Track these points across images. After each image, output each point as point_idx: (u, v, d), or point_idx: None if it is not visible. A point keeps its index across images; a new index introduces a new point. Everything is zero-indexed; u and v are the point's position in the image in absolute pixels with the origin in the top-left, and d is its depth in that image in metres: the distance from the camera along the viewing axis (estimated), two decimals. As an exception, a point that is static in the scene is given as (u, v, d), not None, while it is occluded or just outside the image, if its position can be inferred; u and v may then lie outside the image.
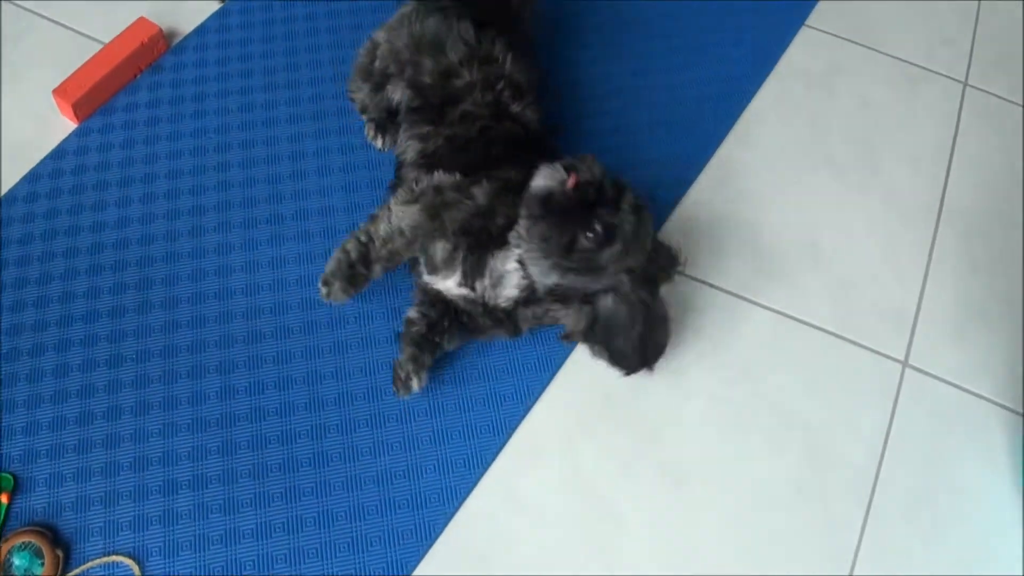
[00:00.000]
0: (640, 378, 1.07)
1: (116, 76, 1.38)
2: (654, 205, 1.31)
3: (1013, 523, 1.11)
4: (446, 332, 1.12)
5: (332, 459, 1.10)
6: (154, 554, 1.03)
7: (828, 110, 1.46)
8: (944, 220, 1.36)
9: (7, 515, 1.04)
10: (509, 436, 1.13)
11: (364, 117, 1.34)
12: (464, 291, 1.08)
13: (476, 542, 1.06)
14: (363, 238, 1.07)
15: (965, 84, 1.52)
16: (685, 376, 1.19)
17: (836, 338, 1.24)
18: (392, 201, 1.08)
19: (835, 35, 1.56)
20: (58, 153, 1.33)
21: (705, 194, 1.35)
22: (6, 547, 1.00)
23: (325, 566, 1.03)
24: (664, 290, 1.06)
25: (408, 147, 1.18)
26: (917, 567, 1.08)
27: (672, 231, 1.30)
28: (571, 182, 0.96)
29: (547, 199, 0.98)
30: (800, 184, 1.38)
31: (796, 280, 1.28)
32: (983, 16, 1.62)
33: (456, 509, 1.08)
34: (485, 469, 1.10)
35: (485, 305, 1.08)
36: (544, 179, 0.99)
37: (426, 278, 1.11)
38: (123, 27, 1.40)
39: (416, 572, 1.03)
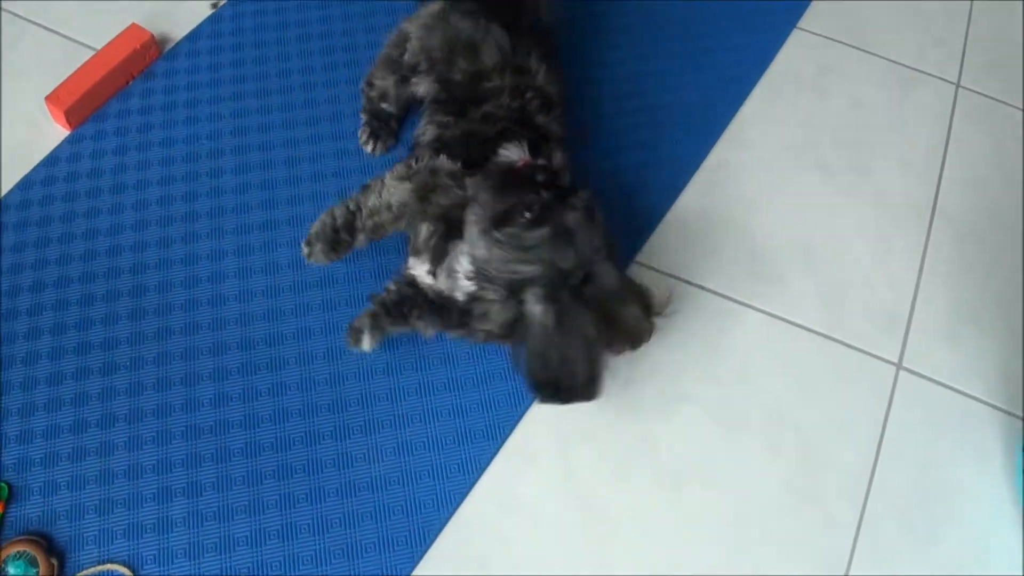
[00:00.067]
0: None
1: (109, 82, 1.38)
2: (646, 207, 1.32)
3: (1007, 524, 1.11)
4: (418, 310, 1.11)
5: (326, 465, 1.10)
6: (149, 562, 1.03)
7: (820, 112, 1.47)
8: (937, 222, 1.36)
9: (2, 524, 1.04)
10: (504, 441, 1.13)
11: (363, 117, 1.34)
12: (430, 280, 1.08)
13: (471, 547, 1.06)
14: (351, 206, 1.09)
15: (957, 85, 1.52)
16: (678, 379, 1.19)
17: (829, 340, 1.24)
18: (387, 175, 1.09)
19: (827, 37, 1.56)
20: (51, 160, 1.33)
21: (697, 197, 1.35)
22: (1, 556, 1.00)
23: (320, 572, 1.03)
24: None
25: (427, 130, 1.19)
26: (912, 568, 1.08)
27: (664, 234, 1.31)
28: (523, 160, 1.01)
29: (507, 172, 1.02)
30: (793, 186, 1.38)
31: (789, 282, 1.28)
32: (975, 17, 1.62)
33: (451, 514, 1.08)
34: (480, 474, 1.11)
35: (451, 300, 1.08)
36: (509, 152, 1.04)
37: (409, 261, 1.12)
38: (115, 33, 1.40)
39: (411, 578, 1.04)
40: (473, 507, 1.09)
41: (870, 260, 1.32)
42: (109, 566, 1.02)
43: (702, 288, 1.27)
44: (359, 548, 1.05)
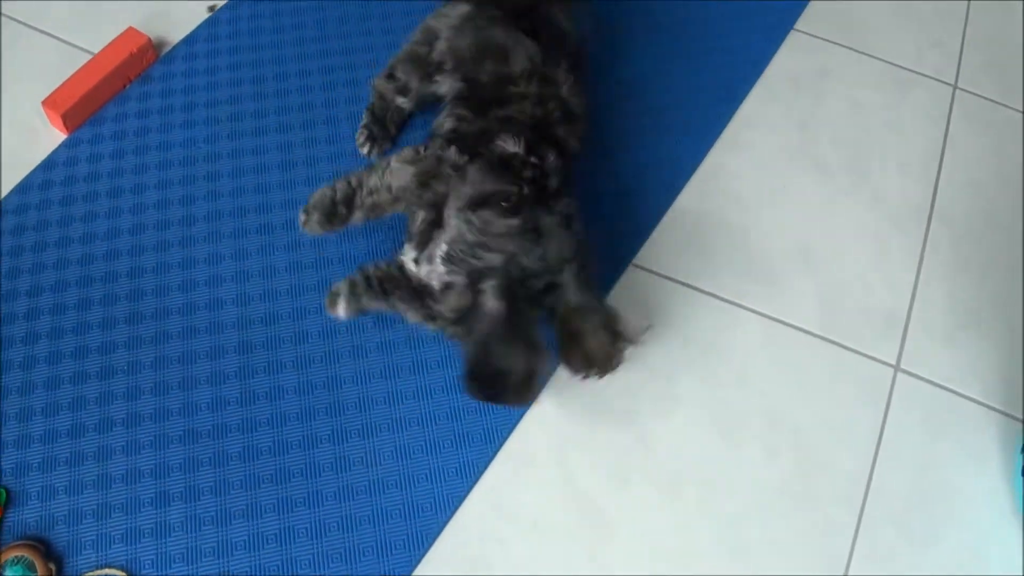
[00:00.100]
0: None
1: (105, 86, 1.37)
2: (644, 208, 1.32)
3: (1005, 525, 1.11)
4: (399, 292, 1.11)
5: (324, 469, 1.10)
6: (146, 566, 1.03)
7: (817, 114, 1.47)
8: (934, 223, 1.36)
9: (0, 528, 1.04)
10: (501, 444, 1.13)
11: (364, 117, 1.34)
12: (414, 267, 1.09)
13: (469, 550, 1.06)
14: (353, 182, 1.10)
15: (955, 87, 1.52)
16: (676, 381, 1.19)
17: (827, 342, 1.24)
18: (394, 157, 1.10)
19: (824, 39, 1.56)
20: (48, 164, 1.33)
21: (695, 199, 1.35)
22: (-2, 561, 1.00)
23: (318, 575, 1.03)
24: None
25: (446, 122, 1.20)
26: (910, 570, 1.08)
27: (662, 235, 1.31)
28: (514, 153, 1.04)
29: (499, 160, 1.05)
30: (790, 188, 1.38)
31: (787, 284, 1.28)
32: (972, 18, 1.62)
33: (449, 518, 1.08)
34: (477, 478, 1.11)
35: (429, 288, 1.08)
36: (504, 144, 1.06)
37: (404, 247, 1.12)
38: (112, 37, 1.40)
39: (409, 582, 1.04)
40: (471, 510, 1.08)
41: (868, 262, 1.32)
42: (107, 570, 1.02)
43: (699, 290, 1.27)
44: (357, 552, 1.04)
